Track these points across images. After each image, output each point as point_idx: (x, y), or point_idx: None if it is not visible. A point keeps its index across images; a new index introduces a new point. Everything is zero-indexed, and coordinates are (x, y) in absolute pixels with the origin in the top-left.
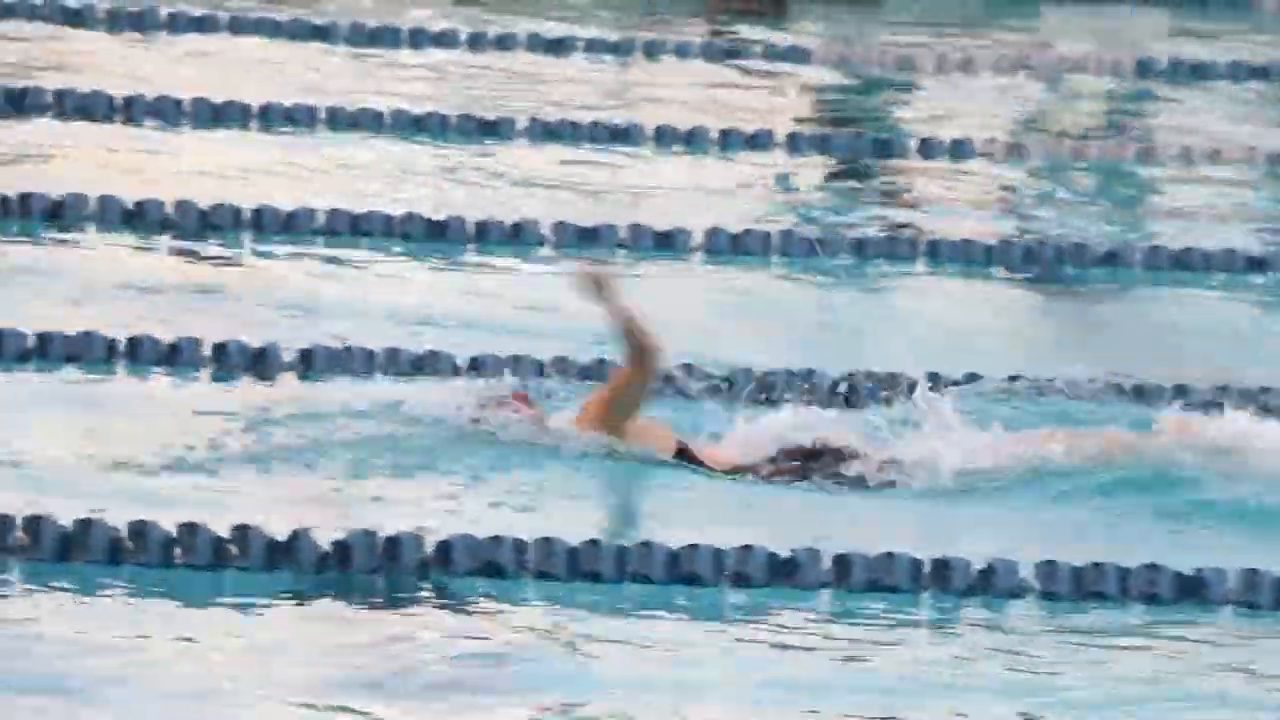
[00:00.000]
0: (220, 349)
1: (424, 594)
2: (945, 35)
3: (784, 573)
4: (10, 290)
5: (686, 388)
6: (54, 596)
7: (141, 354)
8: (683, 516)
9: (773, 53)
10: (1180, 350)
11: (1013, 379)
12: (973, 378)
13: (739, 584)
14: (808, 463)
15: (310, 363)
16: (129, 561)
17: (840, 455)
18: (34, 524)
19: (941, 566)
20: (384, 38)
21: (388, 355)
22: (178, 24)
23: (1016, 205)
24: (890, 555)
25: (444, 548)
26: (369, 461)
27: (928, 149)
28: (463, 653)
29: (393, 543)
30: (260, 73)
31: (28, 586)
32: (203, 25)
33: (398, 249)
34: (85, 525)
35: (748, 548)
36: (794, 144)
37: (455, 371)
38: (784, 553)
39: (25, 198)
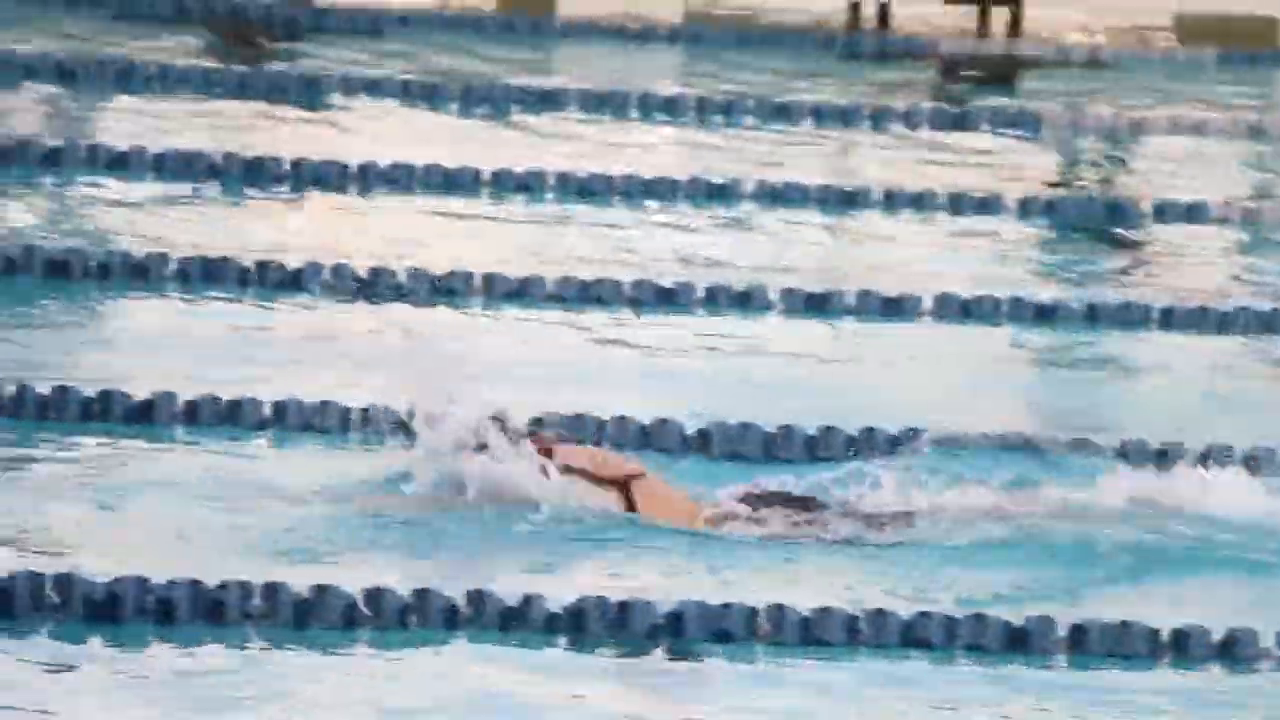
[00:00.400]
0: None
1: (657, 659)
2: (1175, 99)
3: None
4: (248, 357)
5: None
6: (291, 658)
7: (375, 421)
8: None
9: (1001, 118)
10: None
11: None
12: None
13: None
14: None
15: (540, 427)
16: (365, 625)
17: (806, 506)
18: (272, 591)
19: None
20: (613, 104)
21: (617, 423)
22: (410, 91)
23: (1252, 269)
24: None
25: (675, 616)
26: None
27: (1161, 213)
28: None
29: (624, 608)
30: (488, 140)
31: (264, 648)
32: (435, 94)
33: (628, 314)
34: (321, 591)
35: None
36: (1024, 209)
37: (684, 441)
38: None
39: (262, 266)
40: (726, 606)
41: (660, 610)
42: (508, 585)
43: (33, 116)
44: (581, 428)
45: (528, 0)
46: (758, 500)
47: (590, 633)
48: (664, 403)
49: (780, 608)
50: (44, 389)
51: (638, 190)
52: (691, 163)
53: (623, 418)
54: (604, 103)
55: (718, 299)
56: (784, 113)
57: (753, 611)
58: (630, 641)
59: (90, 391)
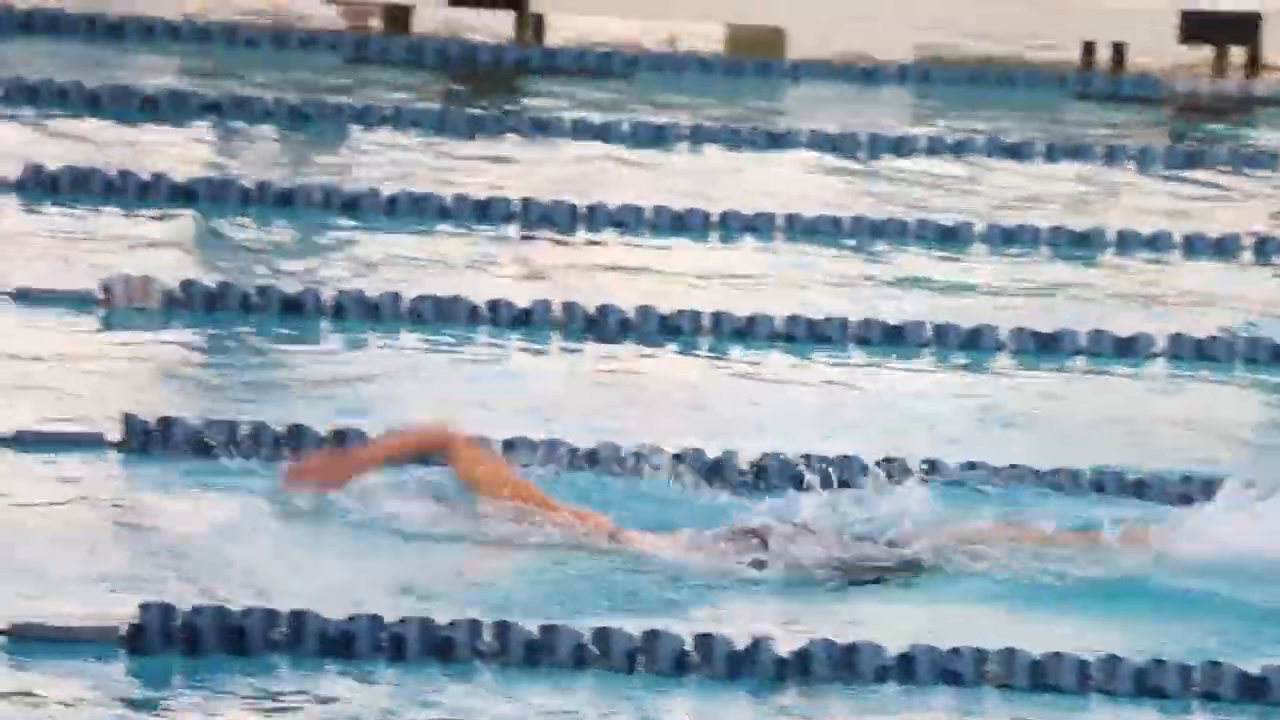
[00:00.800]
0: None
1: (888, 702)
2: None
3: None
4: (478, 395)
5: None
6: (522, 701)
7: (602, 458)
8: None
9: (1238, 157)
10: None
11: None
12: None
13: None
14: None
15: (763, 474)
16: (594, 666)
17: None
18: (502, 630)
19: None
20: (843, 144)
21: (841, 463)
22: (639, 133)
23: None
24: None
25: (905, 659)
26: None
27: None
28: None
29: (850, 651)
30: (720, 181)
31: (496, 691)
32: (663, 135)
33: (855, 356)
34: (551, 631)
35: None
36: (1261, 250)
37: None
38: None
39: (494, 305)
40: (956, 651)
41: (889, 653)
42: (734, 629)
43: (268, 159)
44: (809, 468)
45: (756, 42)
46: (745, 534)
47: (817, 676)
48: (892, 442)
49: (1012, 651)
50: (279, 428)
51: (866, 231)
52: (921, 203)
53: (848, 457)
54: (833, 143)
55: (946, 339)
56: (1015, 152)
57: (981, 654)
58: (858, 684)
59: (324, 430)
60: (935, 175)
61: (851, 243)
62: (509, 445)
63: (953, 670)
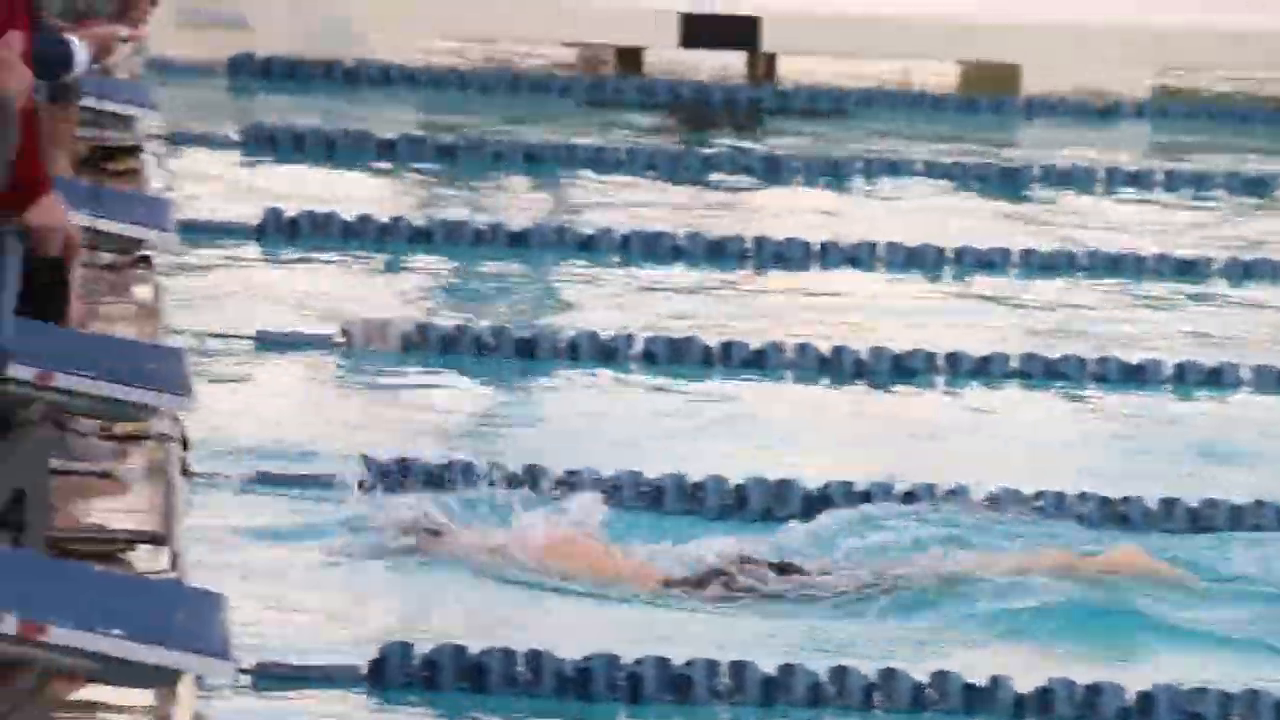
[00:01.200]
0: (910, 496)
1: None
2: None
3: None
4: (710, 439)
5: None
6: None
7: (833, 498)
8: None
9: None
10: None
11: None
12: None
13: None
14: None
15: (997, 504)
16: (830, 705)
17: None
18: (739, 669)
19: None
20: (1076, 179)
21: (1078, 500)
22: (871, 169)
23: None
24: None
25: (1146, 698)
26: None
27: None
28: None
29: (1092, 691)
30: (949, 217)
31: None
32: (895, 171)
33: (1093, 390)
34: (788, 670)
35: None
36: None
37: (1148, 516)
38: None
39: (726, 346)
40: (1202, 691)
41: (1128, 695)
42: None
43: (502, 201)
44: (1060, 505)
45: (991, 79)
46: (743, 562)
47: (1055, 714)
48: (1130, 480)
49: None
50: (515, 468)
51: (1102, 266)
52: (1159, 238)
53: (1084, 495)
54: (1068, 179)
55: (1186, 376)
56: (1256, 186)
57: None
58: None
59: (560, 470)
60: (1172, 209)
61: (1088, 276)
62: (741, 488)
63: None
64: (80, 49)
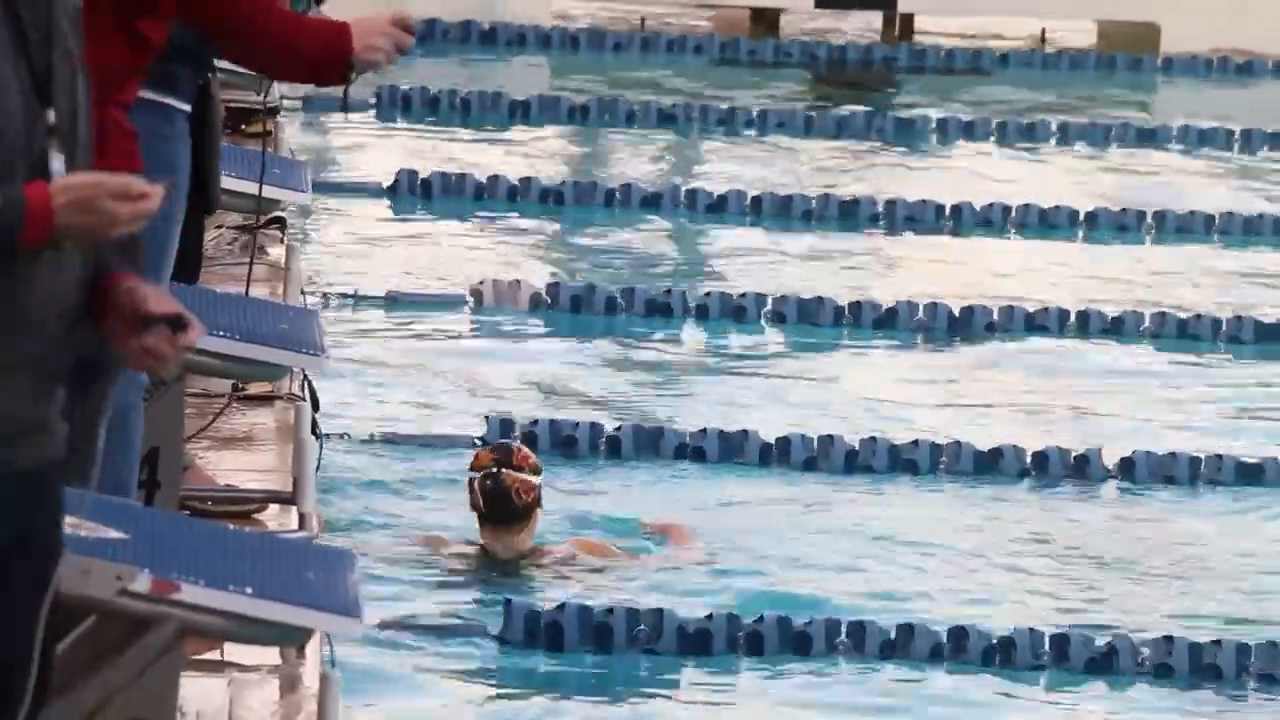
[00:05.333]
0: (1040, 456)
1: None
2: None
3: None
4: (840, 397)
5: None
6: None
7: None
8: None
9: None
10: None
11: None
12: None
13: None
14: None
15: (1130, 473)
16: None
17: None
18: (859, 628)
19: None
20: (1214, 140)
21: (1211, 463)
22: (1007, 131)
23: None
24: None
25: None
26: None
27: None
28: None
29: None
30: (1086, 179)
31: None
32: (1032, 133)
33: (1223, 353)
34: (909, 630)
35: None
36: None
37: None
38: None
39: (856, 306)
40: None
41: None
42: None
43: (635, 160)
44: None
45: (1130, 38)
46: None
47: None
48: (1257, 445)
49: None
50: (645, 423)
51: (1238, 228)
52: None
53: (1216, 456)
54: (1204, 138)
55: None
56: None
57: None
58: None
59: (686, 428)
60: (1247, 167)
61: (1223, 239)
62: (865, 444)
63: None
64: None
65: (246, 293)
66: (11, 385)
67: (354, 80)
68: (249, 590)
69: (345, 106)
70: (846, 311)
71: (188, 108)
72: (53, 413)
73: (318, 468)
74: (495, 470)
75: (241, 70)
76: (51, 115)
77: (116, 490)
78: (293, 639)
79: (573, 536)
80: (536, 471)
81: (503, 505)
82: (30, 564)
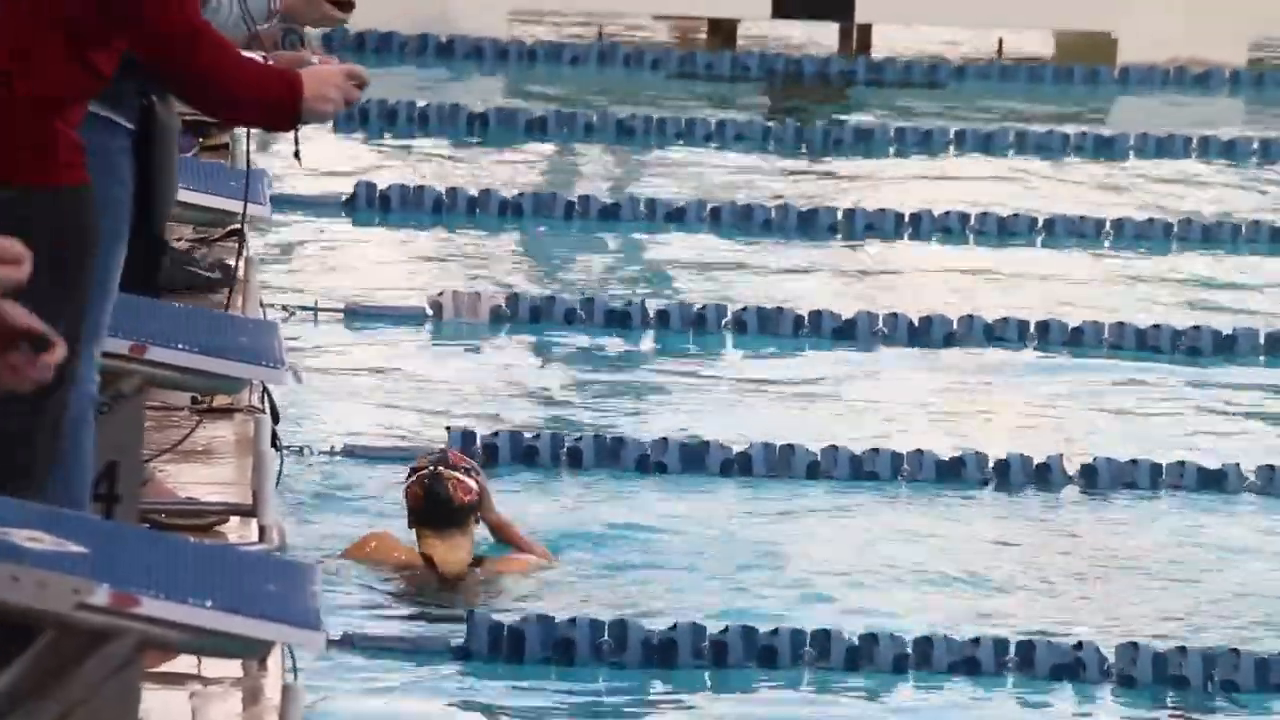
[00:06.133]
0: (1002, 464)
1: None
2: None
3: None
4: (803, 405)
5: None
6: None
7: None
8: None
9: None
10: None
11: None
12: None
13: None
14: None
15: (1091, 478)
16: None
17: None
18: (824, 637)
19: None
20: (1170, 149)
21: (1172, 469)
22: (965, 140)
23: None
24: None
25: None
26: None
27: None
28: None
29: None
30: (1044, 188)
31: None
32: (990, 142)
33: (1187, 365)
34: (873, 639)
35: None
36: None
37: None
38: None
39: (816, 315)
40: None
41: None
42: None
43: (593, 173)
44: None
45: (1086, 48)
46: None
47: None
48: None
49: None
50: (606, 439)
51: (1196, 236)
52: (1254, 207)
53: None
54: (1162, 148)
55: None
56: None
57: None
58: None
59: (646, 439)
60: (1267, 179)
61: (1180, 248)
62: (826, 454)
63: None
64: None
65: (228, 307)
66: None
67: (300, 128)
68: (209, 603)
69: (298, 154)
70: (806, 321)
71: (130, 125)
72: None
73: (278, 481)
74: (433, 468)
75: None
76: None
77: (71, 504)
78: (254, 652)
79: (514, 552)
80: (474, 474)
81: (441, 504)
82: None
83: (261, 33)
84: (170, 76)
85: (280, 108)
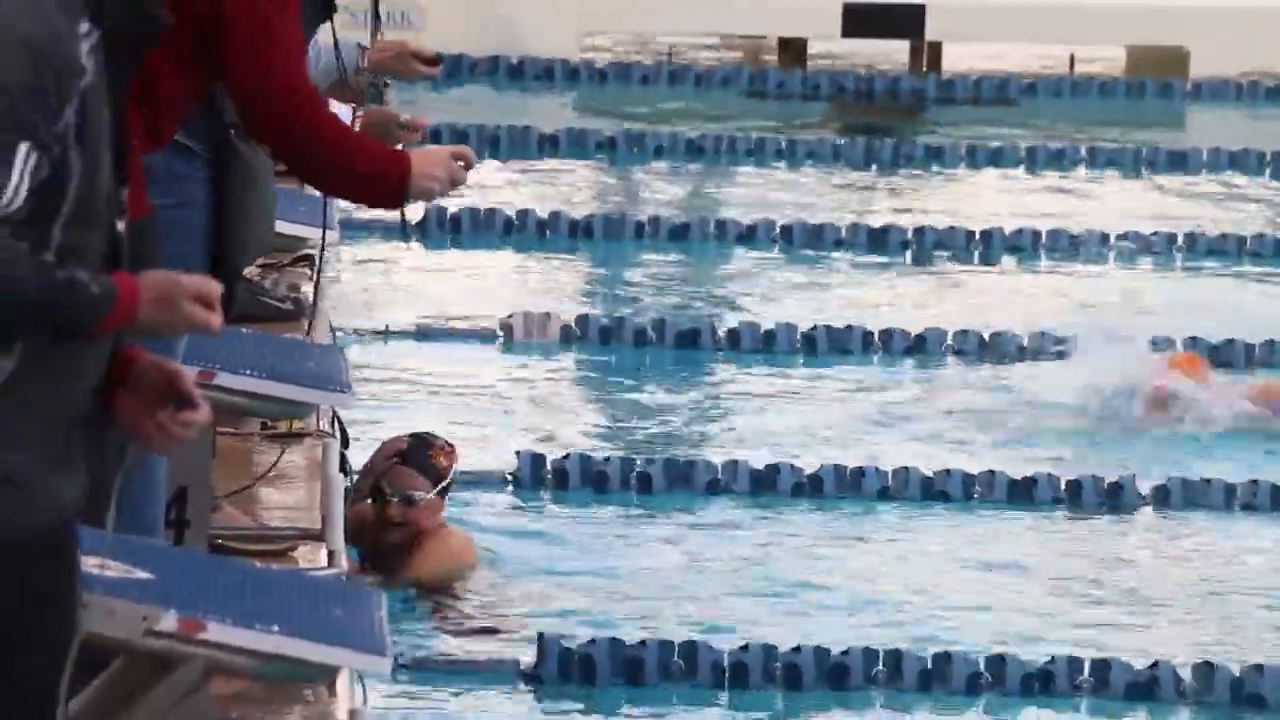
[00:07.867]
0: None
1: None
2: None
3: None
4: (871, 424)
5: None
6: None
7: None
8: None
9: None
10: None
11: None
12: None
13: None
14: None
15: (1164, 499)
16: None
17: None
18: (897, 658)
19: None
20: (1242, 163)
21: (1245, 489)
22: (1035, 157)
23: None
24: None
25: None
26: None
27: None
28: None
29: None
30: (1116, 203)
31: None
32: (1061, 159)
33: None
34: (946, 658)
35: None
36: None
37: None
38: None
39: (887, 333)
40: None
41: None
42: None
43: (664, 192)
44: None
45: (1158, 62)
46: None
47: None
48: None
49: None
50: (677, 457)
51: (1270, 250)
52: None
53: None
54: (1235, 161)
55: None
56: None
57: None
58: None
59: (717, 461)
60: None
61: (1253, 264)
62: (898, 475)
63: None
64: None
65: (308, 334)
66: (62, 448)
67: (407, 207)
68: (275, 628)
69: (404, 233)
70: (877, 339)
71: (206, 154)
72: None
73: (347, 505)
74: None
75: None
76: (124, 193)
77: (142, 530)
78: (320, 677)
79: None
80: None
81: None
82: (49, 624)
83: (351, 81)
84: (283, 145)
85: (389, 186)
